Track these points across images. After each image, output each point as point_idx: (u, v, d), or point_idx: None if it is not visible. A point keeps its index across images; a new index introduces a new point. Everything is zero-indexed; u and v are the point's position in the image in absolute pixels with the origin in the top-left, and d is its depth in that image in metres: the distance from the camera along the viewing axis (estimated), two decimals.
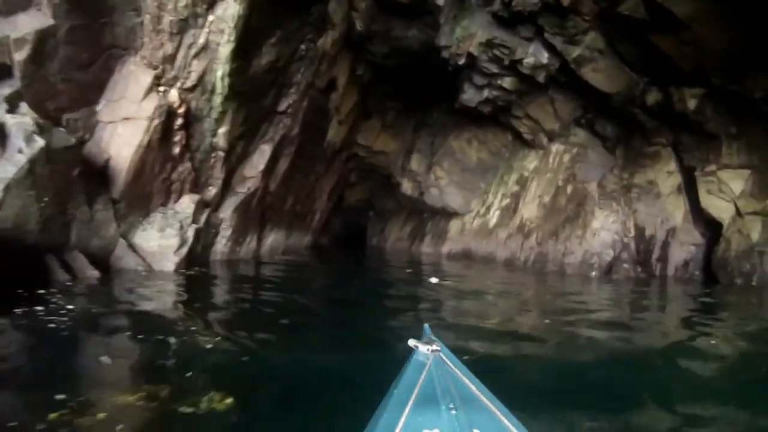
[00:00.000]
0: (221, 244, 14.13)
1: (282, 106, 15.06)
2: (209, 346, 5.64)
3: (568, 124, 18.84)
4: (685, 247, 16.35)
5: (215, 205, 13.57)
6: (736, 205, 15.12)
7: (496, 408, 2.42)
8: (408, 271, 16.76)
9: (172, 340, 5.81)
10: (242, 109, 13.12)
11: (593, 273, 16.72)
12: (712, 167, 15.48)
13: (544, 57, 16.94)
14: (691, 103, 14.99)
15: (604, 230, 17.03)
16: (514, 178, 20.54)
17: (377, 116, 24.54)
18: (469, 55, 17.65)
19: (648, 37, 14.65)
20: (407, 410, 2.32)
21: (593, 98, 17.44)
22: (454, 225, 22.77)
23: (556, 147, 19.14)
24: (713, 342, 7.34)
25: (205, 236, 13.20)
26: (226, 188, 13.89)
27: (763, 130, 14.81)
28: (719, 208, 15.35)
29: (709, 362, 6.28)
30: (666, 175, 16.77)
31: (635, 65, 15.94)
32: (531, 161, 20.11)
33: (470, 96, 19.52)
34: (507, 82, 18.40)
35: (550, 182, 18.88)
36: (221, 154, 13.04)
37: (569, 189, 18.16)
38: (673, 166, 16.70)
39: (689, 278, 16.01)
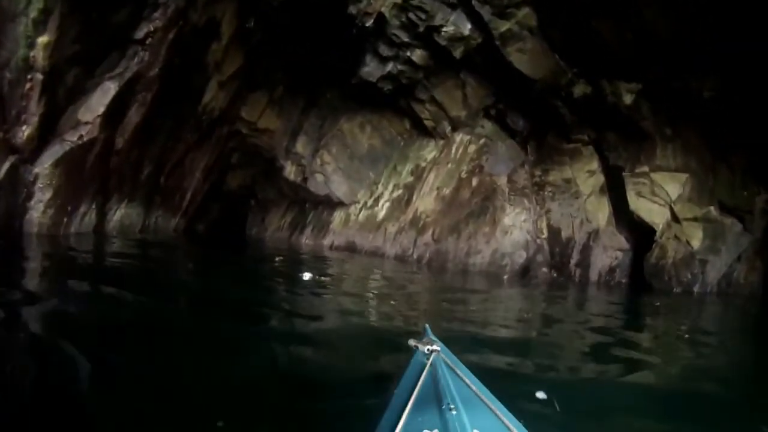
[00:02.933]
0: (38, 212, 9.44)
1: (140, 33, 10.31)
2: None
3: (476, 113, 15.46)
4: (610, 252, 13.48)
5: (28, 153, 8.85)
6: (672, 209, 12.51)
7: (496, 408, 2.11)
8: (278, 259, 12.96)
9: None
10: (77, 17, 8.48)
11: (505, 277, 13.35)
12: (644, 168, 12.78)
13: (467, 28, 13.52)
14: (627, 98, 12.42)
15: (516, 228, 13.74)
16: (409, 168, 16.84)
17: (264, 89, 19.55)
18: (380, 18, 13.85)
19: (588, 20, 11.92)
20: (407, 410, 2.03)
21: (510, 85, 14.27)
22: (338, 216, 18.84)
23: (459, 137, 15.64)
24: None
25: (7, 196, 8.53)
26: (48, 132, 9.14)
27: (702, 132, 12.35)
28: (651, 211, 12.69)
29: None
30: (586, 175, 13.81)
31: (566, 52, 13.10)
32: (429, 151, 16.50)
33: (372, 69, 15.66)
34: (417, 55, 14.78)
35: (451, 174, 15.31)
36: (40, 77, 8.34)
37: (474, 181, 14.68)
38: (594, 165, 13.82)
39: (616, 286, 13.11)
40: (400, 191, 16.65)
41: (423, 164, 16.38)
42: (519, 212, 13.83)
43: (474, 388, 2.26)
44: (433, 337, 2.81)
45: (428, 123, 16.33)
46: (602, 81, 12.80)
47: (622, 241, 13.48)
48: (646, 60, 11.92)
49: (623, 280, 13.42)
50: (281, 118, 20.46)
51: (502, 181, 14.27)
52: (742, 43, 10.37)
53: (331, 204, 19.25)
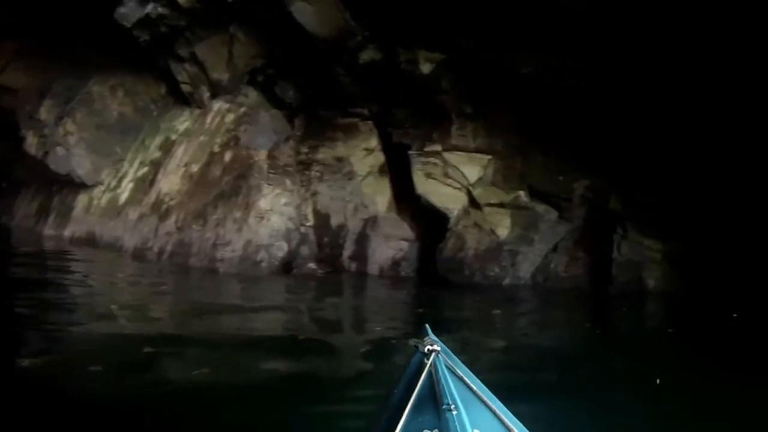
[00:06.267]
0: None
1: None
2: None
3: (241, 77, 12.03)
4: (393, 243, 10.79)
5: None
6: (470, 194, 10.32)
7: (497, 408, 2.01)
8: None
9: None
10: None
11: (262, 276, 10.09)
12: (436, 147, 10.51)
13: None
14: (425, 67, 10.25)
15: (274, 214, 10.43)
16: (158, 142, 12.83)
17: (11, 38, 14.90)
18: None
19: None
20: (407, 410, 1.92)
21: (286, 46, 11.37)
22: (82, 200, 14.27)
23: (218, 105, 12.05)
24: None
25: None
26: None
27: (514, 112, 10.47)
28: (444, 196, 10.39)
29: None
30: (363, 153, 11.05)
31: (360, 10, 10.57)
32: (183, 121, 12.61)
33: (129, 11, 11.78)
34: None
35: (203, 147, 11.59)
36: None
37: (228, 156, 11.07)
38: (374, 142, 11.16)
39: (402, 281, 10.59)
40: (146, 169, 12.58)
41: (174, 137, 12.50)
42: (279, 194, 10.49)
43: (474, 388, 2.14)
44: (434, 337, 2.53)
45: (185, 87, 12.49)
46: (398, 48, 10.42)
47: (406, 229, 10.87)
48: (459, 28, 9.89)
49: (411, 275, 10.76)
50: (29, 75, 15.47)
51: (261, 156, 10.85)
52: (575, 19, 8.97)
53: (75, 185, 14.74)
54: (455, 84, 10.46)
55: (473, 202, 10.34)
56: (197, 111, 12.41)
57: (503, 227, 10.20)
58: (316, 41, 10.82)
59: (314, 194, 10.68)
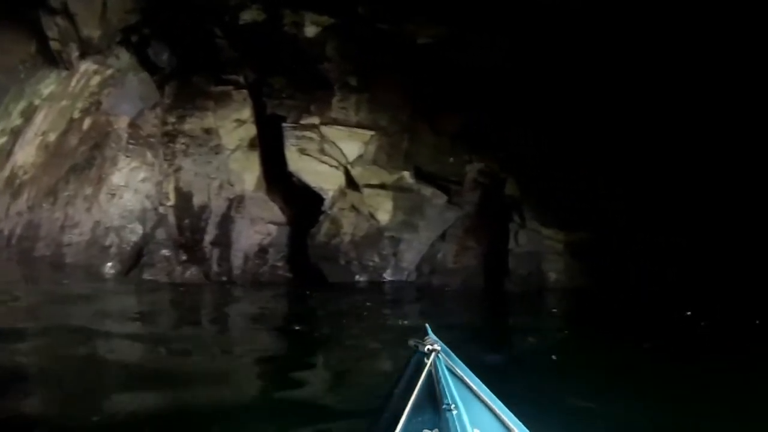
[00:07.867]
0: None
1: None
2: None
3: (113, 35, 10.83)
4: (260, 226, 9.82)
5: None
6: (348, 173, 9.56)
7: (497, 408, 2.02)
8: None
9: None
10: None
11: (108, 265, 8.93)
12: (313, 120, 9.64)
13: None
14: (310, 30, 9.40)
15: (129, 191, 9.33)
16: (21, 108, 11.28)
17: None
18: None
19: None
20: (407, 410, 1.94)
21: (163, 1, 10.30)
22: None
23: (86, 66, 10.76)
24: None
25: None
26: None
27: (402, 87, 9.70)
28: (319, 175, 9.60)
29: None
30: (233, 125, 10.05)
31: None
32: (48, 85, 11.10)
33: None
34: None
35: (64, 113, 10.29)
36: None
37: (87, 123, 9.89)
38: (247, 113, 10.14)
39: (270, 275, 9.62)
40: (5, 138, 11.15)
41: (37, 102, 11.21)
42: (137, 167, 9.41)
43: (474, 387, 2.14)
44: (434, 337, 2.54)
45: (54, 45, 11.06)
46: (284, 9, 9.52)
47: (276, 211, 9.94)
48: None
49: (279, 264, 9.84)
50: None
51: (122, 124, 9.71)
52: None
53: None
54: (341, 52, 9.63)
55: (351, 183, 9.53)
56: (64, 73, 11.09)
57: (384, 211, 9.42)
58: None
59: (177, 170, 9.63)
